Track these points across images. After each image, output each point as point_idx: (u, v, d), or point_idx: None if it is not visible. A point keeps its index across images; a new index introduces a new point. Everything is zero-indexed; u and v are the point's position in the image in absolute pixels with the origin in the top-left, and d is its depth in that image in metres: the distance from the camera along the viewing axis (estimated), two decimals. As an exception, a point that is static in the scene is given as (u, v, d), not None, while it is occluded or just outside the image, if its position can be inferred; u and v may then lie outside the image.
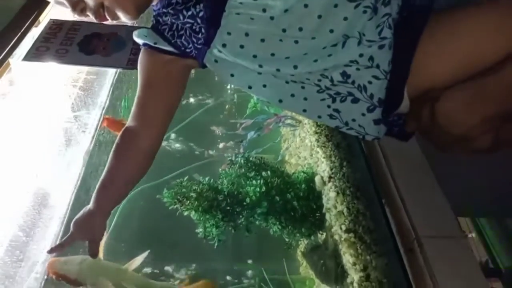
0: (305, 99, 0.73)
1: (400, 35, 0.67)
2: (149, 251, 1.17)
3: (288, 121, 1.66)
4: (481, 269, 1.14)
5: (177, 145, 1.85)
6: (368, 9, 0.65)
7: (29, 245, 1.14)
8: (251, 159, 1.48)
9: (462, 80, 0.65)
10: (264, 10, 0.67)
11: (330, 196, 1.35)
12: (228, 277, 1.59)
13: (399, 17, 0.68)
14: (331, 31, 0.67)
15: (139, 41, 0.78)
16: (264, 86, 0.72)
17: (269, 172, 1.43)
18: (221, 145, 1.65)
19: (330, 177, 1.39)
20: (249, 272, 1.59)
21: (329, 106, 0.73)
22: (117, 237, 1.55)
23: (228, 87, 2.13)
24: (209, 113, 1.97)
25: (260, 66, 0.70)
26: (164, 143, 1.87)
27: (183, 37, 0.74)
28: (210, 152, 1.82)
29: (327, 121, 0.75)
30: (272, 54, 0.69)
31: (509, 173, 1.91)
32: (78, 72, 1.68)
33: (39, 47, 1.76)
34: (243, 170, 1.45)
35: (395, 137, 0.85)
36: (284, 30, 0.67)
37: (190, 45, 0.74)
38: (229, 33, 0.70)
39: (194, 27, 0.72)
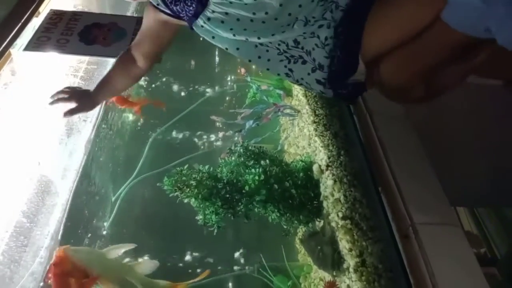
0: (268, 60, 0.96)
1: (350, 16, 0.86)
2: (135, 245, 1.20)
3: (287, 110, 1.68)
4: (477, 258, 1.15)
5: (178, 135, 1.87)
6: None
7: (33, 231, 1.16)
8: (250, 148, 1.49)
9: (401, 44, 0.82)
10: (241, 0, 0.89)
11: (327, 184, 1.37)
12: (227, 264, 1.62)
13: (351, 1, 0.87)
14: (289, 14, 0.89)
15: None
16: (238, 48, 0.96)
17: (267, 161, 1.45)
18: (220, 135, 1.66)
19: (327, 166, 1.41)
20: (249, 259, 1.62)
21: (285, 66, 0.96)
22: (118, 223, 1.58)
23: (228, 78, 2.14)
24: (209, 103, 1.99)
25: (234, 35, 0.93)
26: (164, 134, 1.90)
27: (178, 6, 0.96)
28: (210, 141, 1.84)
29: (284, 78, 0.99)
30: (244, 29, 0.92)
31: (505, 162, 1.93)
32: (79, 62, 1.69)
33: (40, 37, 1.77)
34: (242, 159, 1.47)
35: (343, 99, 1.08)
36: (254, 13, 0.90)
37: (183, 13, 0.96)
38: (212, 11, 0.92)
39: (187, 1, 0.94)
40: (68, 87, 1.21)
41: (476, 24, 0.70)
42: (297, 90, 1.76)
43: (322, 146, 1.47)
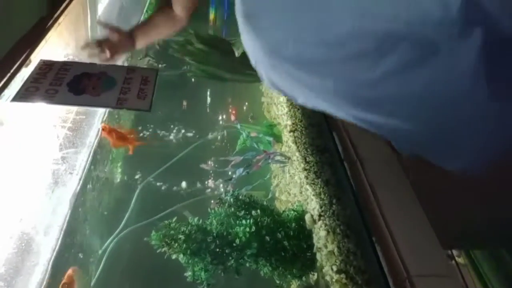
0: None
1: None
2: None
3: (277, 157, 1.67)
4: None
5: (167, 183, 1.83)
6: None
7: (11, 296, 1.10)
8: (240, 197, 1.47)
9: None
10: None
11: (320, 235, 1.33)
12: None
13: None
14: None
15: None
16: None
17: (259, 210, 1.42)
18: (210, 183, 1.63)
19: (320, 215, 1.39)
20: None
21: None
22: (105, 279, 1.50)
23: (219, 124, 2.14)
24: (199, 149, 1.97)
25: None
26: (153, 181, 1.86)
27: None
28: (200, 190, 1.80)
29: None
30: None
31: (502, 205, 1.92)
32: (68, 112, 1.68)
33: (28, 88, 1.76)
34: (232, 209, 1.43)
35: None
36: None
37: None
38: None
39: None
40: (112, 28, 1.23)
41: None
42: (287, 136, 1.76)
43: (313, 195, 1.44)
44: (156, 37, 1.36)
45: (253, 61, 0.91)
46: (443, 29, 0.66)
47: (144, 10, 2.51)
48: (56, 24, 2.06)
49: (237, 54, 1.88)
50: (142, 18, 2.48)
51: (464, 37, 0.66)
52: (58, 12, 2.18)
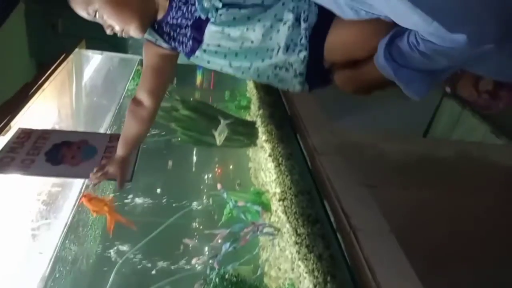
0: (258, 68, 1.19)
1: (316, 35, 1.12)
2: None
3: (266, 229, 1.57)
4: None
5: (146, 259, 1.69)
6: (291, 26, 1.11)
7: None
8: (226, 276, 1.35)
9: (348, 60, 1.15)
10: (228, 35, 1.13)
11: (315, 321, 1.21)
12: None
13: (317, 22, 1.11)
14: (271, 38, 1.12)
15: (146, 36, 1.22)
16: (230, 65, 1.18)
17: (247, 292, 1.29)
18: (193, 260, 1.51)
19: (314, 296, 1.27)
20: None
21: (273, 72, 1.20)
22: None
23: (204, 192, 2.07)
24: (184, 219, 1.87)
25: (229, 63, 1.18)
26: (132, 258, 1.73)
27: (177, 43, 1.20)
28: (183, 267, 1.67)
29: (272, 79, 1.22)
30: (236, 55, 1.16)
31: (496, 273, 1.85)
32: (43, 184, 1.58)
33: (3, 158, 1.66)
34: (218, 290, 1.31)
35: (319, 88, 1.32)
36: (242, 43, 1.14)
37: (180, 48, 1.20)
38: (207, 45, 1.15)
39: (184, 40, 1.18)
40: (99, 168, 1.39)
41: (391, 78, 1.03)
42: (276, 205, 1.68)
43: (306, 272, 1.34)
44: (135, 140, 1.40)
45: None
46: None
47: (130, 77, 2.53)
48: (40, 91, 2.03)
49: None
50: (128, 84, 2.49)
51: None
52: (43, 78, 2.17)
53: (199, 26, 1.13)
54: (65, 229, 1.39)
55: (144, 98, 1.29)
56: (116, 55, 2.77)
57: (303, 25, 1.11)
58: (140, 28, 1.15)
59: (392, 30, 1.00)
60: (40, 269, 1.26)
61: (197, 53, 1.16)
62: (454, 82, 1.25)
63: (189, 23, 1.14)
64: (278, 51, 1.14)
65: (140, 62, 2.68)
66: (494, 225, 1.94)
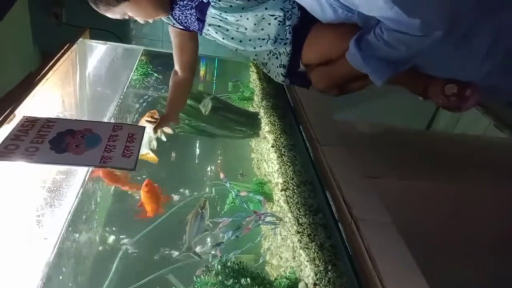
0: (256, 54, 1.51)
1: (298, 34, 1.36)
2: None
3: (268, 218, 1.58)
4: None
5: (149, 247, 1.71)
6: (281, 21, 1.33)
7: None
8: (229, 264, 1.36)
9: (323, 61, 1.35)
10: (226, 19, 1.35)
11: (316, 308, 1.22)
12: None
13: (298, 23, 1.35)
14: (262, 29, 1.35)
15: (165, 20, 1.51)
16: (233, 38, 1.40)
17: (248, 279, 1.31)
18: (197, 248, 1.53)
19: (315, 284, 1.28)
20: None
21: (267, 55, 1.48)
22: None
23: (208, 179, 2.07)
24: (187, 208, 1.88)
25: (227, 41, 1.42)
26: (135, 245, 1.75)
27: (187, 23, 1.45)
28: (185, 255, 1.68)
29: (261, 64, 1.54)
30: (232, 38, 1.40)
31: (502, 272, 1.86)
32: (48, 172, 1.60)
33: (8, 146, 1.68)
34: (220, 277, 1.32)
35: (298, 85, 1.59)
36: (237, 28, 1.36)
37: (191, 27, 1.46)
38: (209, 24, 1.39)
39: (192, 20, 1.42)
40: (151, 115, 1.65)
41: (360, 67, 1.22)
42: (278, 195, 1.69)
43: (307, 261, 1.35)
44: (180, 102, 1.73)
45: None
46: None
47: (134, 68, 2.53)
48: (44, 80, 2.04)
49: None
50: (132, 75, 2.49)
51: None
52: (47, 67, 2.17)
53: (202, 9, 1.34)
54: (69, 216, 1.41)
55: (178, 70, 1.63)
56: (120, 45, 2.77)
57: (287, 22, 1.32)
58: (163, 15, 1.40)
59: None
60: (45, 254, 1.27)
61: (204, 30, 1.42)
62: (425, 92, 1.42)
63: (194, 5, 1.35)
64: (267, 42, 1.37)
65: (144, 53, 2.69)
66: (495, 216, 1.95)
